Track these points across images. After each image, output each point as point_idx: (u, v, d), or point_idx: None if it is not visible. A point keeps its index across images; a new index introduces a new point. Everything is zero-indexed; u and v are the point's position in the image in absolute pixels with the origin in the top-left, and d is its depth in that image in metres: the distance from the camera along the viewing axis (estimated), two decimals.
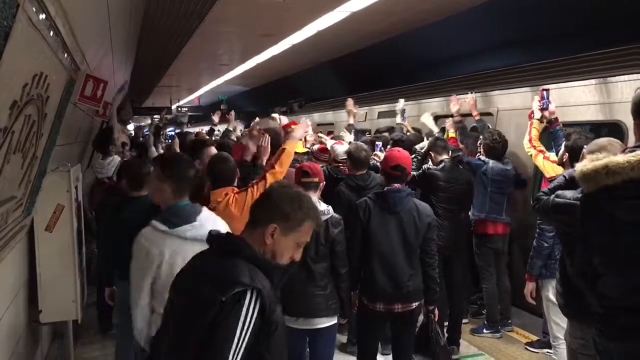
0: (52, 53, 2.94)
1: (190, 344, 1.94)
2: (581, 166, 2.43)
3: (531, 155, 5.37)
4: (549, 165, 5.20)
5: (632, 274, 2.36)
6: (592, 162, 2.38)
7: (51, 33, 2.79)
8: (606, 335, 2.50)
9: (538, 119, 5.43)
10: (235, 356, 1.88)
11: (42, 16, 2.49)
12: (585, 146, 3.50)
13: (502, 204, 5.74)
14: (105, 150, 6.36)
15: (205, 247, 2.86)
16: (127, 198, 4.36)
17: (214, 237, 2.17)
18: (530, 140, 5.38)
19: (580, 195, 3.19)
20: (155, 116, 26.71)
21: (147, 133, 8.30)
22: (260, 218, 2.12)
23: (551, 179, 5.07)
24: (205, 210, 3.15)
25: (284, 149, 4.06)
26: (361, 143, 5.31)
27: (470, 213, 5.78)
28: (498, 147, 5.73)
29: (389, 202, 4.03)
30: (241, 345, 1.89)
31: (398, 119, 7.40)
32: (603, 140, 3.35)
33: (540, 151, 5.30)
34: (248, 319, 1.90)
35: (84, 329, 5.81)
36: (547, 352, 5.13)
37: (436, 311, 4.19)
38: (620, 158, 2.30)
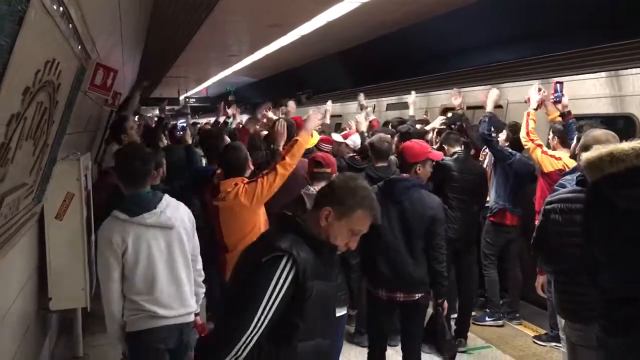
0: (64, 40, 2.94)
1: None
2: (587, 154, 2.42)
3: (529, 149, 5.34)
4: (547, 159, 5.18)
5: (630, 265, 2.35)
6: (597, 150, 2.36)
7: (63, 20, 2.78)
8: (607, 330, 2.48)
9: (534, 109, 5.41)
10: (264, 313, 2.05)
11: (55, 2, 2.48)
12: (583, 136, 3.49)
13: (519, 197, 5.74)
14: (117, 139, 6.36)
15: (165, 232, 3.24)
16: None
17: (275, 215, 2.38)
18: (527, 134, 5.34)
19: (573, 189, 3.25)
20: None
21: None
22: (319, 201, 2.30)
23: (550, 174, 5.07)
24: (166, 198, 3.30)
25: (297, 140, 4.03)
26: (384, 135, 5.27)
27: (492, 201, 5.77)
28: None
29: (394, 192, 4.02)
30: (272, 305, 2.06)
31: (411, 111, 7.39)
32: (600, 134, 3.31)
33: (539, 145, 5.27)
34: (281, 281, 2.08)
35: (92, 318, 5.83)
36: (555, 345, 5.12)
37: (445, 304, 4.16)
38: (626, 145, 2.28)
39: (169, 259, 3.26)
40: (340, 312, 3.90)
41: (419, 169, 4.18)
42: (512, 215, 5.75)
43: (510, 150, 5.66)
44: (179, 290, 3.29)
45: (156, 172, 4.45)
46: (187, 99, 23.88)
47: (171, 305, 3.25)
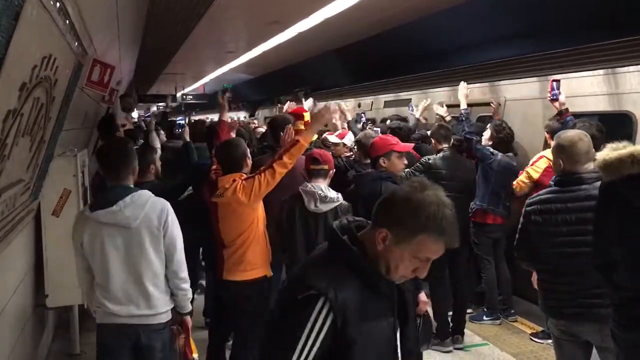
0: (61, 36, 2.93)
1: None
2: (604, 155, 2.44)
3: (524, 184, 5.30)
4: (531, 170, 5.24)
5: None
6: (616, 150, 2.39)
7: (60, 15, 2.78)
8: (622, 326, 2.51)
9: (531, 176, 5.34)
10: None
11: None
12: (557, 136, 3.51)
13: (501, 197, 5.68)
14: (110, 136, 6.35)
15: (123, 231, 3.08)
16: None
17: (330, 231, 1.92)
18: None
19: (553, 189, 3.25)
20: (159, 104, 26.71)
21: (149, 118, 8.21)
22: (377, 218, 1.85)
23: (540, 179, 5.08)
24: (133, 196, 3.11)
25: (298, 140, 3.94)
26: (370, 132, 5.33)
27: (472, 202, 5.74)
28: (506, 139, 5.70)
29: (358, 186, 4.17)
30: (307, 355, 1.72)
31: (417, 114, 7.41)
32: (573, 135, 3.33)
33: (519, 175, 5.32)
34: (316, 328, 1.71)
35: (89, 316, 5.83)
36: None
37: (422, 297, 3.91)
38: None
39: (127, 258, 3.14)
40: None
41: (384, 162, 4.20)
42: (494, 216, 5.70)
43: (491, 150, 5.62)
44: (140, 291, 3.16)
45: (147, 168, 4.45)
46: (184, 96, 23.77)
47: (127, 304, 3.15)
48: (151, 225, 3.14)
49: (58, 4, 2.65)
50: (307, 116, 5.31)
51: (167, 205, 3.23)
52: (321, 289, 1.72)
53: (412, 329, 1.99)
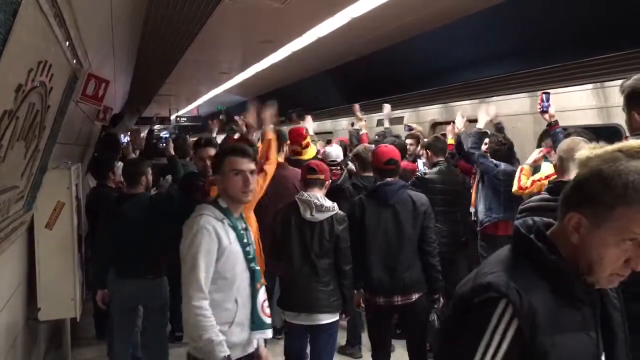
0: (57, 43, 2.95)
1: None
2: (586, 153, 2.45)
3: (529, 188, 5.15)
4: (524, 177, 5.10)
5: None
6: (601, 148, 2.40)
7: (57, 21, 2.81)
8: None
9: (529, 164, 5.28)
10: None
11: (49, 2, 2.51)
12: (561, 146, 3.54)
13: (514, 205, 5.62)
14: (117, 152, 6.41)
15: None
16: (125, 194, 4.41)
17: (513, 229, 1.65)
18: (519, 188, 5.16)
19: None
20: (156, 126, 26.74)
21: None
22: (564, 205, 1.52)
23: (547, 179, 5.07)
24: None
25: (270, 139, 4.23)
26: (369, 145, 5.36)
27: (482, 214, 5.67)
28: (503, 150, 5.69)
29: (383, 196, 4.09)
30: None
31: (386, 124, 7.51)
32: (569, 143, 3.40)
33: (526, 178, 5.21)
34: (498, 335, 1.42)
35: (80, 331, 5.78)
36: None
37: (441, 300, 4.18)
38: (634, 142, 2.33)
39: None
40: (332, 318, 3.90)
41: None
42: (506, 226, 5.51)
43: (494, 161, 5.61)
44: None
45: (139, 178, 4.45)
46: (178, 117, 23.86)
47: None
48: None
49: (55, 10, 2.68)
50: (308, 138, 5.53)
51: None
52: (501, 290, 1.45)
53: (622, 352, 1.64)
